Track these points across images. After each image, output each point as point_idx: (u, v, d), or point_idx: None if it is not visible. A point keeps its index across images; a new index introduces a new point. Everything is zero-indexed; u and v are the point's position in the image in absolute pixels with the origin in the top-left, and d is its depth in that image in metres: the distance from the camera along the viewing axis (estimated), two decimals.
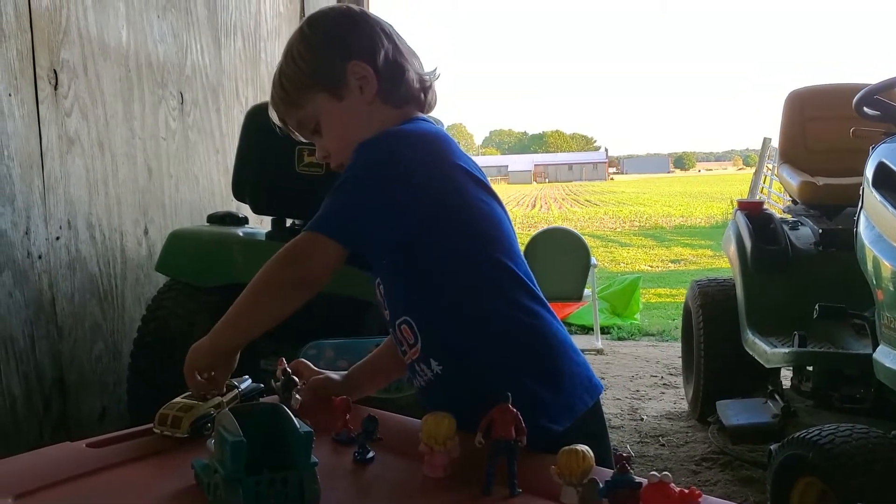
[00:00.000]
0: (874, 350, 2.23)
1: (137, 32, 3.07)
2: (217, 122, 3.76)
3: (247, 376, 1.32)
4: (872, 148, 2.61)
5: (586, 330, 5.80)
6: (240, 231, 2.76)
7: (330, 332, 2.16)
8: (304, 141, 2.46)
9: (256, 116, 2.65)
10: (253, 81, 4.17)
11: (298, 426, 0.92)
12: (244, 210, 2.97)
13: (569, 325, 5.99)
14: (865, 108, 2.71)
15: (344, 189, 1.15)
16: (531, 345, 1.21)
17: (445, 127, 3.81)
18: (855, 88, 2.80)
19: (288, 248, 1.16)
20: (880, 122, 2.75)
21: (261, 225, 3.13)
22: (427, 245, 1.19)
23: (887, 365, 2.13)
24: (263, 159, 2.60)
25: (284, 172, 2.53)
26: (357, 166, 1.17)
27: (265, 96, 4.56)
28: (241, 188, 2.72)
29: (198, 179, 3.57)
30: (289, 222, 2.78)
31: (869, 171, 2.53)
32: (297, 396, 1.17)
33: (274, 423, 0.95)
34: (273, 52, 4.47)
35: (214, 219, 2.94)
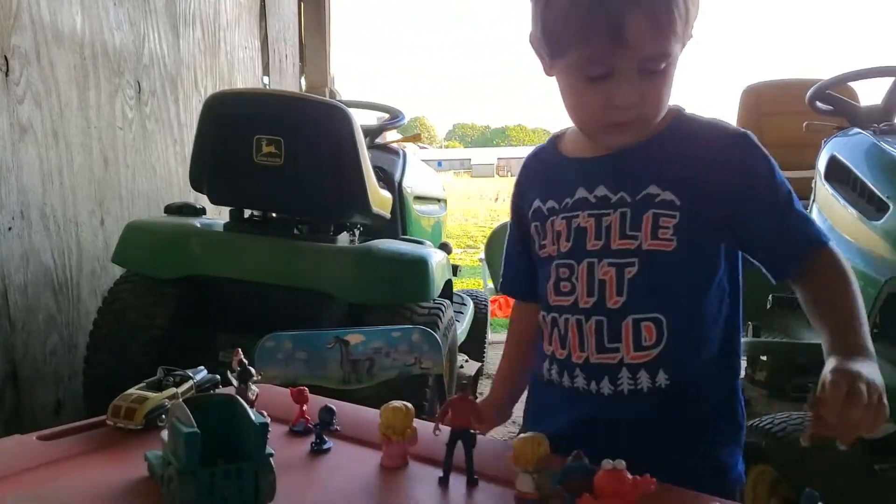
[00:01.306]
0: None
1: (93, 19, 3.01)
2: (175, 112, 3.70)
3: (202, 367, 1.30)
4: (824, 142, 2.66)
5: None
6: (197, 222, 2.73)
7: (288, 323, 2.15)
8: (264, 130, 2.48)
9: (214, 105, 2.62)
10: (212, 71, 4.11)
11: (253, 417, 0.91)
12: (202, 200, 2.93)
13: None
14: (818, 103, 2.76)
15: (794, 197, 1.09)
16: (736, 382, 1.16)
17: (407, 120, 3.81)
18: (808, 83, 2.85)
19: (843, 267, 1.06)
20: (832, 117, 2.81)
21: (219, 216, 3.10)
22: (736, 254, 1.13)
23: None
24: (221, 149, 2.58)
25: (242, 162, 2.51)
26: (783, 178, 1.09)
27: (224, 86, 4.51)
28: (198, 178, 2.69)
29: (155, 170, 3.52)
30: (247, 213, 2.76)
31: (821, 165, 2.58)
32: (254, 388, 1.16)
33: (229, 415, 0.94)
34: (233, 42, 4.41)
35: (172, 209, 2.91)
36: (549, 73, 1.11)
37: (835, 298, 1.03)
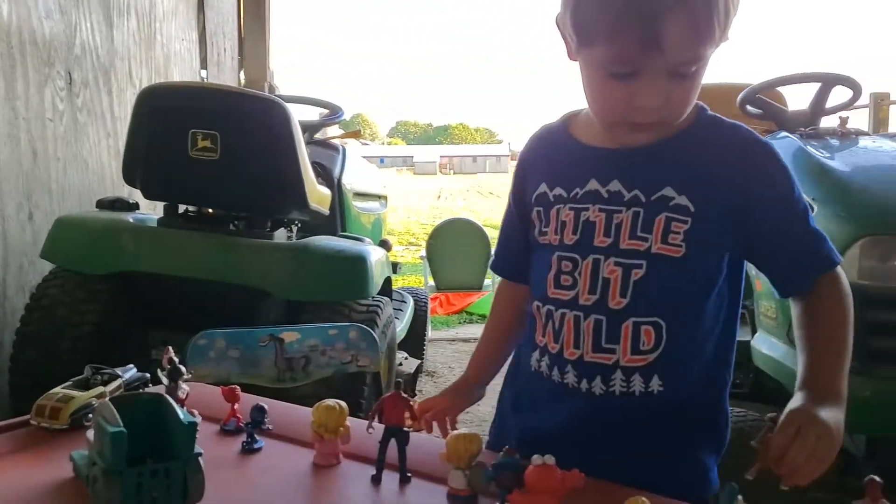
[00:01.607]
0: (752, 337, 2.35)
1: (20, 7, 2.92)
2: (109, 104, 3.61)
3: (131, 365, 1.27)
4: None
5: (486, 318, 5.88)
6: (130, 217, 2.68)
7: (224, 321, 2.12)
8: (200, 125, 2.44)
9: (148, 98, 2.57)
10: (147, 63, 4.03)
11: (182, 416, 0.90)
12: (135, 195, 2.87)
13: (470, 314, 6.06)
14: (748, 107, 2.84)
15: (811, 215, 1.07)
16: (724, 392, 1.14)
17: (349, 117, 3.79)
18: (739, 87, 2.93)
19: (846, 293, 1.06)
20: (762, 120, 2.89)
21: (153, 211, 3.03)
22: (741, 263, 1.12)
23: (764, 351, 2.25)
24: (155, 143, 2.53)
25: (177, 157, 2.47)
26: (800, 193, 1.07)
27: (160, 78, 4.42)
28: (131, 172, 2.63)
29: (87, 163, 3.43)
30: (182, 208, 2.71)
31: None
32: (184, 386, 1.14)
33: (157, 414, 0.93)
34: (169, 34, 4.32)
35: (104, 204, 2.85)
36: (572, 58, 1.07)
37: (828, 327, 1.03)
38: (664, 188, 1.03)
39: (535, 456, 0.86)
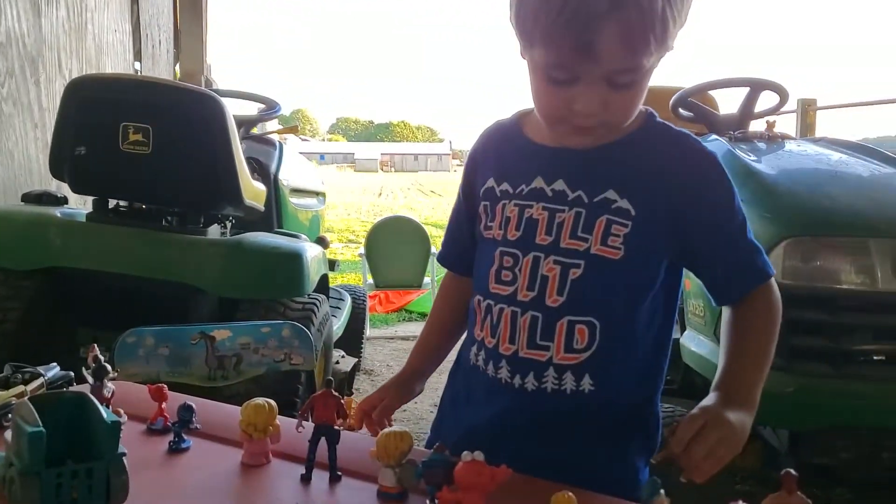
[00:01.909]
0: (682, 335, 2.41)
1: None
2: (36, 94, 3.51)
3: (55, 364, 1.24)
4: None
5: (425, 316, 5.89)
6: (58, 211, 2.61)
7: (155, 318, 2.08)
8: (131, 118, 2.39)
9: (78, 90, 2.51)
10: (78, 54, 3.92)
11: (105, 415, 0.88)
12: (64, 189, 2.79)
13: (409, 312, 6.06)
14: (680, 110, 2.91)
15: (748, 226, 1.09)
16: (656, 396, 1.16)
17: (288, 112, 3.75)
18: (672, 91, 2.99)
19: (776, 304, 1.09)
20: (693, 124, 2.96)
21: (83, 205, 2.96)
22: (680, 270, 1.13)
23: (692, 349, 2.30)
24: (85, 135, 2.47)
25: (107, 150, 2.42)
26: (740, 205, 1.09)
27: (91, 70, 4.30)
28: (59, 166, 2.57)
29: (13, 155, 3.32)
30: (112, 203, 2.65)
31: None
32: (110, 385, 1.11)
33: (79, 413, 0.90)
34: (101, 24, 4.21)
35: (30, 198, 2.77)
36: (523, 57, 1.07)
37: (753, 337, 1.07)
38: (607, 191, 1.05)
39: (465, 452, 0.87)
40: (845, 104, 7.16)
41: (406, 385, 1.27)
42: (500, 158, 1.17)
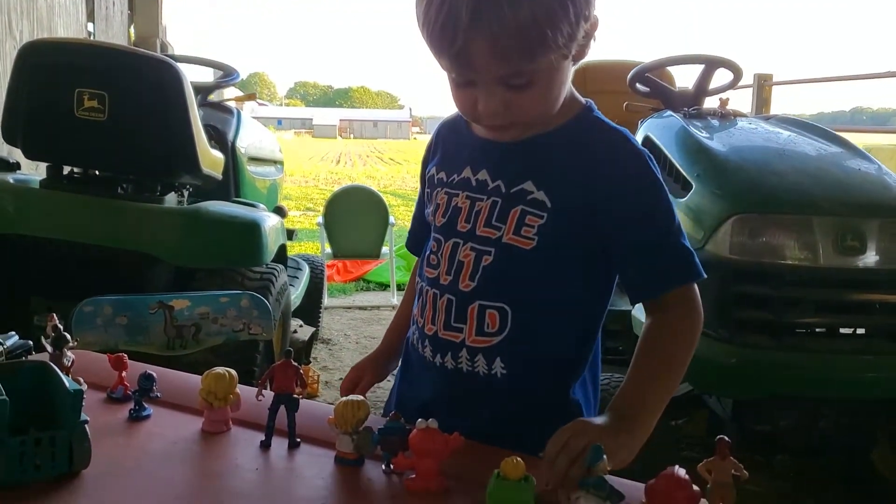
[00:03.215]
0: (633, 307, 2.48)
1: None
2: None
3: (13, 332, 1.25)
4: (641, 122, 2.86)
5: (384, 287, 5.92)
6: (10, 177, 2.58)
7: (111, 287, 2.07)
8: (86, 84, 2.35)
9: (32, 54, 2.47)
10: (28, 14, 3.82)
11: (68, 384, 0.90)
12: (16, 155, 2.75)
13: (367, 282, 6.08)
14: (638, 85, 2.96)
15: (678, 229, 1.08)
16: (575, 385, 1.16)
17: (246, 75, 3.71)
18: (633, 65, 3.03)
19: (692, 311, 1.07)
20: (650, 99, 3.01)
21: (35, 171, 2.91)
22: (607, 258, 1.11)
23: (642, 320, 2.37)
24: (39, 101, 2.44)
25: (62, 116, 2.38)
26: (668, 207, 1.08)
27: (43, 31, 4.19)
28: (12, 131, 2.52)
29: None
30: (67, 170, 2.61)
31: None
32: (69, 354, 1.13)
33: (41, 382, 0.93)
34: None
35: None
36: None
37: (658, 349, 1.07)
38: (525, 182, 1.08)
39: (420, 420, 0.91)
40: (801, 80, 7.27)
41: (380, 363, 1.31)
42: (445, 148, 1.22)
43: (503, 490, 0.84)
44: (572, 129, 1.10)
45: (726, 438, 0.82)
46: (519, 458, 0.85)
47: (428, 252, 1.18)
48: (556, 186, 1.07)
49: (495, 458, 0.86)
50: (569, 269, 1.10)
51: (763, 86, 6.32)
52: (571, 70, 1.07)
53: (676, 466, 0.81)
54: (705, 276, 1.07)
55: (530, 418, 1.09)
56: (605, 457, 0.84)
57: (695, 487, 0.80)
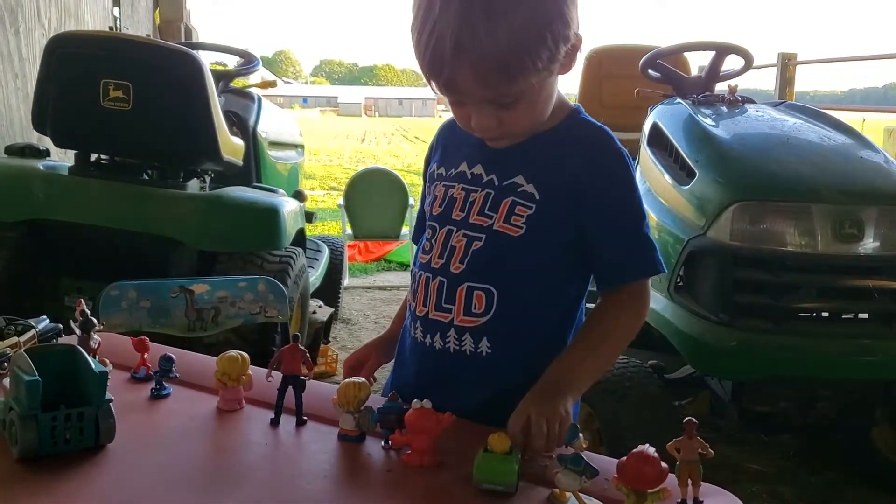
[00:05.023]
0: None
1: None
2: (16, 44, 3.52)
3: (44, 316, 1.34)
4: (650, 108, 2.89)
5: (404, 267, 6.01)
6: (41, 164, 2.67)
7: (136, 270, 2.17)
8: (111, 74, 2.45)
9: (58, 47, 2.56)
10: (56, 2, 3.92)
11: (94, 366, 0.99)
12: (46, 142, 2.85)
13: (388, 262, 6.17)
14: (650, 70, 2.98)
15: (644, 223, 1.17)
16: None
17: (271, 53, 3.77)
18: (646, 50, 3.06)
19: (639, 302, 1.19)
20: (662, 85, 3.04)
21: (64, 158, 3.02)
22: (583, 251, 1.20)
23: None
24: (66, 91, 2.53)
25: (89, 106, 2.48)
26: (638, 205, 1.18)
27: (71, 19, 4.29)
28: (42, 120, 2.62)
29: None
30: (94, 157, 2.72)
31: (645, 130, 2.81)
32: (96, 337, 1.22)
33: (70, 363, 1.01)
34: None
35: (13, 150, 2.82)
36: None
37: (600, 328, 1.17)
38: (516, 176, 1.18)
39: (415, 400, 1.00)
40: (826, 59, 7.18)
41: (387, 346, 1.38)
42: (445, 144, 1.32)
43: (489, 462, 0.93)
44: (561, 129, 1.20)
45: (694, 420, 0.89)
46: (504, 434, 0.93)
47: (423, 240, 1.27)
48: (544, 180, 1.17)
49: (485, 435, 0.94)
50: (552, 255, 1.19)
51: (787, 65, 6.28)
52: (558, 81, 1.16)
53: (647, 445, 0.87)
54: (665, 271, 1.18)
55: (514, 396, 1.14)
56: (580, 435, 0.92)
57: (663, 465, 0.86)
